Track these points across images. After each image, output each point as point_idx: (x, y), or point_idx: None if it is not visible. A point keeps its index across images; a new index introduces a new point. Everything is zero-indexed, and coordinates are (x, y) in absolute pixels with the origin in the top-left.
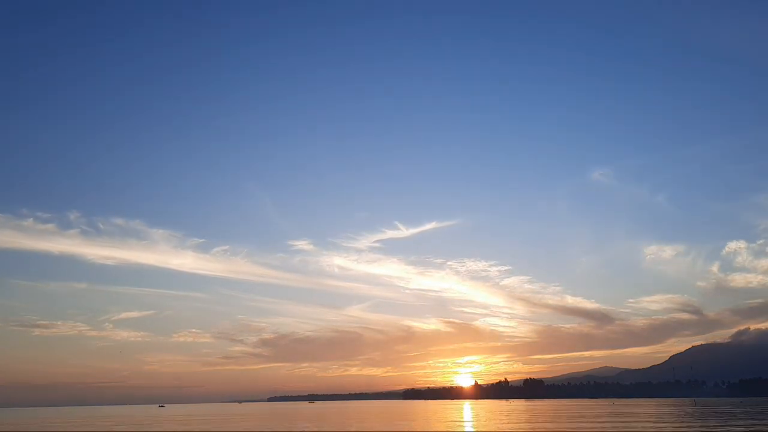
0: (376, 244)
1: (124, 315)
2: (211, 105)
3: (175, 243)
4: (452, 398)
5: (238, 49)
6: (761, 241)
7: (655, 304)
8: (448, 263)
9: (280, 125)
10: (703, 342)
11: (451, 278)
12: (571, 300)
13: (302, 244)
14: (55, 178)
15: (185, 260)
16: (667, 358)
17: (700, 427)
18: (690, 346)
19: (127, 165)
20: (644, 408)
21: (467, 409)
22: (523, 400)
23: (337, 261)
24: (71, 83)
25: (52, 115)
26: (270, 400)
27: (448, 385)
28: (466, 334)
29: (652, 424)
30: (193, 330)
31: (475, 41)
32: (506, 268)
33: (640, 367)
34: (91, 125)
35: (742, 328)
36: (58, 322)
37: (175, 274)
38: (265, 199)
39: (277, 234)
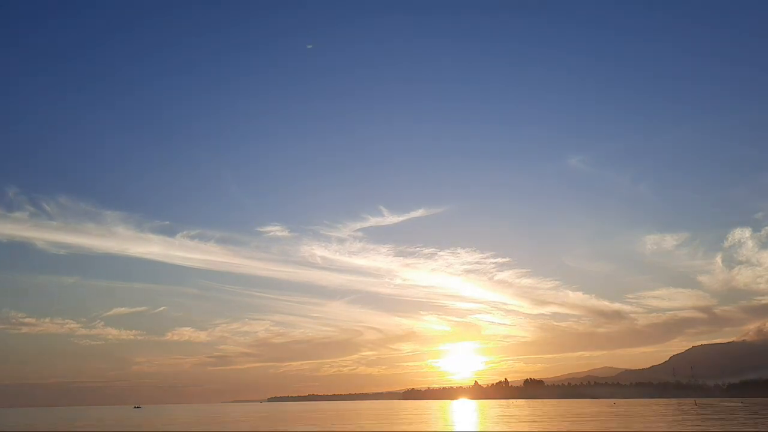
0: (359, 233)
1: (114, 311)
2: (164, 73)
3: (134, 227)
4: (453, 398)
5: (206, 24)
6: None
7: (656, 299)
8: (440, 254)
9: (249, 97)
10: (704, 342)
11: (443, 270)
12: (571, 296)
13: (275, 230)
14: None
15: (151, 248)
16: (668, 358)
17: (709, 427)
18: (690, 347)
19: (71, 135)
20: (651, 408)
21: (479, 411)
22: (523, 400)
23: (318, 251)
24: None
25: None
26: (270, 400)
27: (447, 385)
28: (465, 332)
29: (666, 425)
30: (187, 328)
31: (459, 31)
32: (503, 260)
33: (641, 368)
34: (28, 91)
35: (747, 326)
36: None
37: (156, 265)
38: (227, 176)
39: (246, 218)
